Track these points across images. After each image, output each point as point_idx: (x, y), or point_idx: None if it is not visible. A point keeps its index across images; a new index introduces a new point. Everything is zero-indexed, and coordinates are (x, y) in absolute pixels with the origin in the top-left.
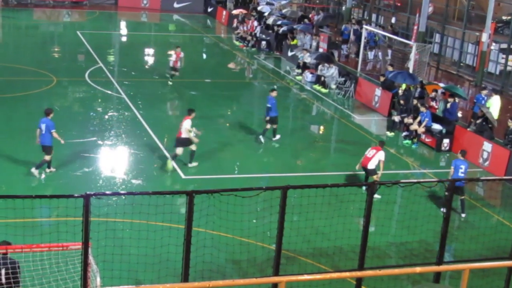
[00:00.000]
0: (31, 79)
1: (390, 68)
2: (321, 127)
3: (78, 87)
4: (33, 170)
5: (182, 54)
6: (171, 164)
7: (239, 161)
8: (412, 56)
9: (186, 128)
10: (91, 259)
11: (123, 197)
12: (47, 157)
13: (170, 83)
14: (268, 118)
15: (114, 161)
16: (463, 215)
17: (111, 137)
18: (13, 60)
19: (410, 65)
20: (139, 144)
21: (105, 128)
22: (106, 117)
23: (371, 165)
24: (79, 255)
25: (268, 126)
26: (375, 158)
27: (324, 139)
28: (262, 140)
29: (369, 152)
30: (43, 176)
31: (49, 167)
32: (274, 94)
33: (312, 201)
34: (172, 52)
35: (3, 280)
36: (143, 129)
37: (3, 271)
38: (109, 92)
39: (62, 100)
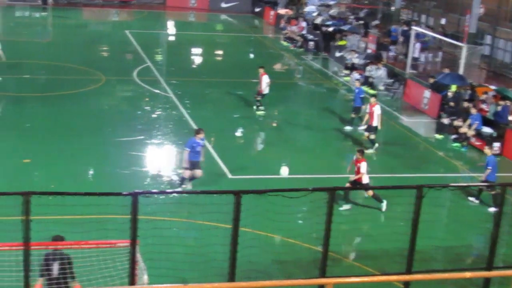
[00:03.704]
0: (80, 78)
1: (447, 70)
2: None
3: (126, 86)
4: None
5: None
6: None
7: (286, 161)
8: (463, 58)
9: None
10: (138, 256)
11: (170, 196)
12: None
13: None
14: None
15: (161, 159)
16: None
17: (159, 136)
18: (62, 59)
19: (460, 67)
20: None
21: (153, 127)
22: (154, 116)
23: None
24: (126, 253)
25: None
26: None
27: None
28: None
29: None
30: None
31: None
32: (358, 84)
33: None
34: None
35: (56, 274)
36: (190, 129)
37: (55, 265)
38: (157, 91)
39: (110, 99)
